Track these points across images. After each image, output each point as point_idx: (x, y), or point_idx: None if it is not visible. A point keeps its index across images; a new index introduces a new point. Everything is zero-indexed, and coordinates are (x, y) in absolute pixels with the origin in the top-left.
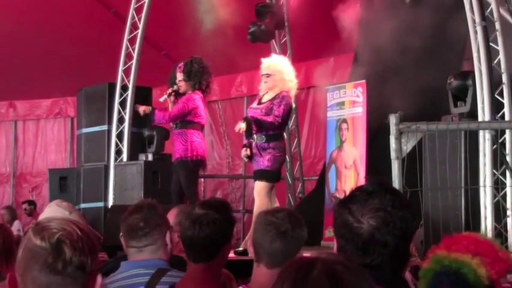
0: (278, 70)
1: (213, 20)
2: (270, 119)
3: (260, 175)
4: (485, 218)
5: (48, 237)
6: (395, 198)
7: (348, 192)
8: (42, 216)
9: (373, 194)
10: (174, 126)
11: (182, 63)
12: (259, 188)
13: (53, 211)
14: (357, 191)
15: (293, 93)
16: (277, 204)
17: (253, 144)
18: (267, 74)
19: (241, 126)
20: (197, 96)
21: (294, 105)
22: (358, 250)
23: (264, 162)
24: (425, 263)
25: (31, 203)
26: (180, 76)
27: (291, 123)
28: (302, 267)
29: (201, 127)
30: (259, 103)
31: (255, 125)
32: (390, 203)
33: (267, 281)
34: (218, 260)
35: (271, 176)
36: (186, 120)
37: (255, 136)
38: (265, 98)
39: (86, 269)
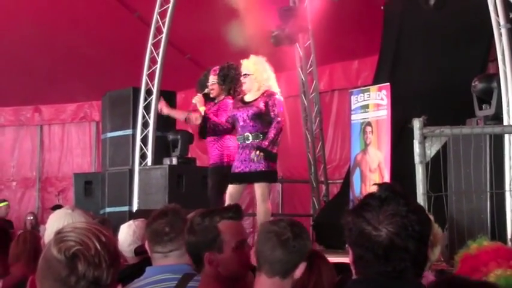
0: (256, 69)
1: (238, 24)
2: (273, 130)
3: (262, 176)
4: (511, 222)
5: (64, 250)
6: (409, 203)
7: (359, 201)
8: (48, 222)
9: (387, 200)
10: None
11: (218, 67)
12: (261, 190)
13: (56, 214)
14: (369, 199)
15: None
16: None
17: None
18: (245, 74)
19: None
20: (231, 102)
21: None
22: (379, 258)
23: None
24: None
25: (60, 208)
26: (214, 79)
27: (314, 126)
28: None
29: (233, 130)
30: (244, 103)
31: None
32: (405, 208)
33: None
34: None
35: (273, 176)
36: None
37: (249, 135)
38: (248, 98)
39: (100, 283)
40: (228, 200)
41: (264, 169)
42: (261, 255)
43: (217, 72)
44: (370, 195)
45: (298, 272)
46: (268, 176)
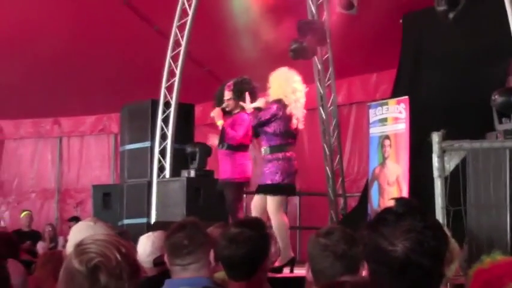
0: (274, 82)
1: (254, 35)
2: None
3: (270, 189)
4: None
5: (86, 262)
6: (426, 218)
7: (375, 215)
8: (71, 234)
9: (403, 215)
10: (221, 146)
11: (231, 82)
12: (271, 203)
13: (78, 226)
14: (386, 214)
15: (290, 101)
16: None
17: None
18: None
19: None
20: (247, 117)
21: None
22: (395, 274)
23: (270, 175)
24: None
25: (78, 220)
26: (228, 95)
27: (333, 139)
28: None
29: (248, 147)
30: None
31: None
32: (421, 224)
33: None
34: (259, 276)
35: (282, 189)
36: None
37: (267, 148)
38: None
39: None
40: (253, 211)
41: (274, 182)
42: (321, 274)
43: (231, 88)
44: (387, 210)
45: (361, 273)
46: (277, 190)
